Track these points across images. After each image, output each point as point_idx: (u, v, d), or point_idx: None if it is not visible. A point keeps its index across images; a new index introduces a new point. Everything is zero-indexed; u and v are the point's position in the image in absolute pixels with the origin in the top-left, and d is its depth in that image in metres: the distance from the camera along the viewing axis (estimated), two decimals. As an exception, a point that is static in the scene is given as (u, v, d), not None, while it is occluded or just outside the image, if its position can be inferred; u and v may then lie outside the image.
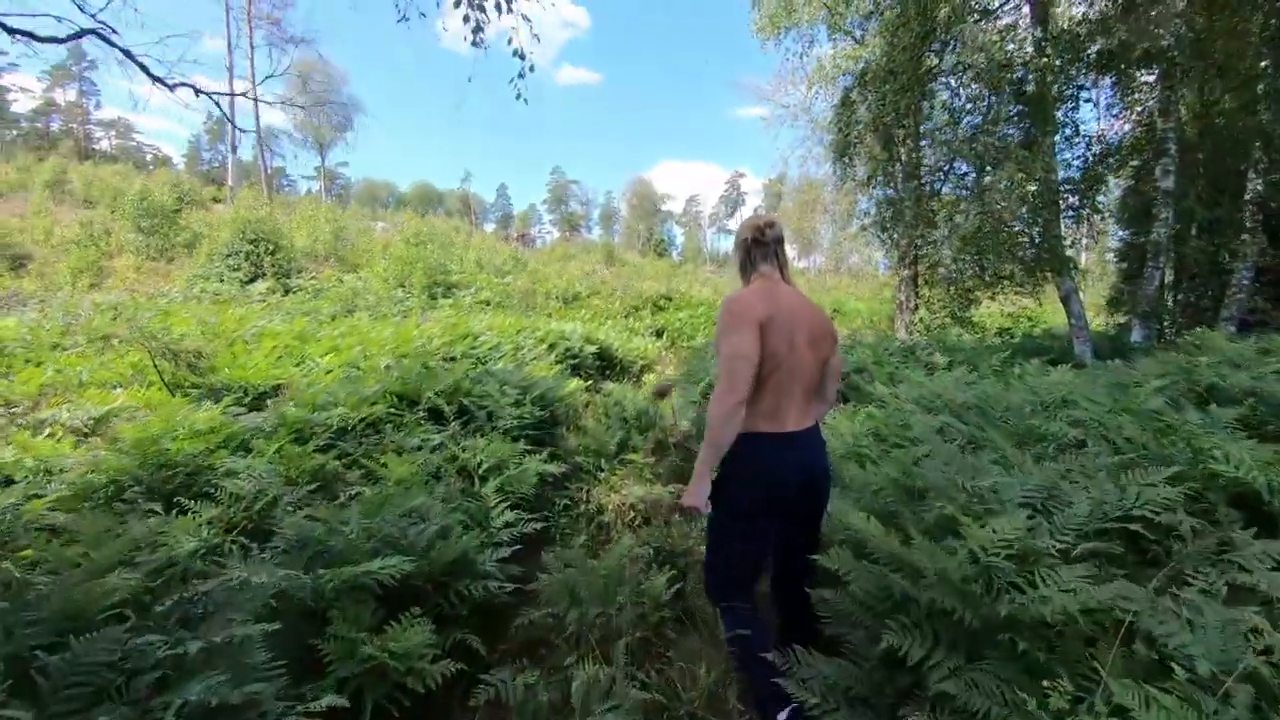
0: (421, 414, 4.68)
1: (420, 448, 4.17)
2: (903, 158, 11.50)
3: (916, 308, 12.26)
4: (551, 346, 9.25)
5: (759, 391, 2.07)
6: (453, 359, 7.22)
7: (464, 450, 4.23)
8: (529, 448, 4.74)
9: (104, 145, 62.18)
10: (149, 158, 62.22)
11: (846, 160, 11.79)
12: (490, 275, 18.13)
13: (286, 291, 14.57)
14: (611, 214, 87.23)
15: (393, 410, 4.55)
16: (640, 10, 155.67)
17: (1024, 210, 9.40)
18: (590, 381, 8.65)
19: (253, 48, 40.32)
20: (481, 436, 4.57)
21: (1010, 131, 9.56)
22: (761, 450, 2.10)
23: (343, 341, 7.53)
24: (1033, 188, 8.95)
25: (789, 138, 21.86)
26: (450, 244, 22.25)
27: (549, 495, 4.50)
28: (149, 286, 15.37)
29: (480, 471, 4.08)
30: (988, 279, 10.83)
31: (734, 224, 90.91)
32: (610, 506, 4.36)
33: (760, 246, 2.26)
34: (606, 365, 10.66)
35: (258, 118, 40.15)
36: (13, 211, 22.21)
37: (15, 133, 56.92)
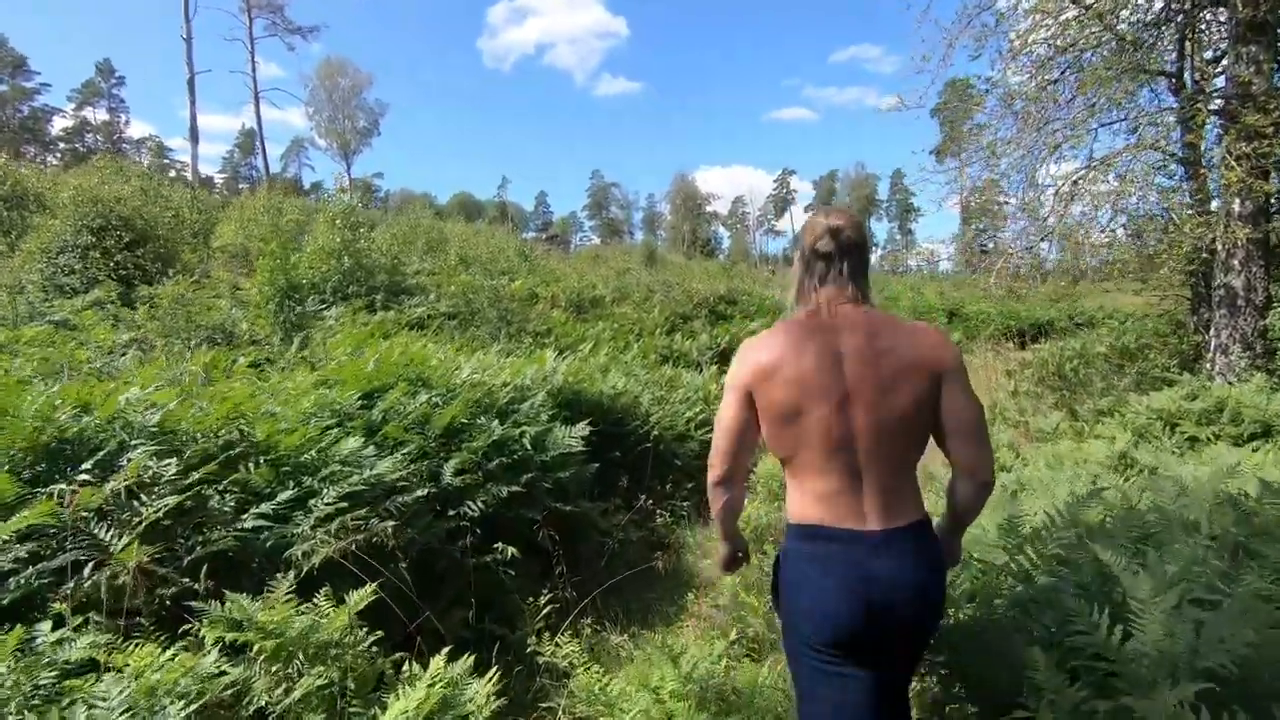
0: None
1: None
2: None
3: (1267, 305, 5.72)
4: (348, 504, 3.08)
5: (793, 469, 1.42)
6: None
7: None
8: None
9: (140, 164, 59.23)
10: (189, 176, 59.10)
11: None
12: (474, 277, 12.11)
13: (127, 305, 8.83)
14: (655, 218, 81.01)
15: None
16: (679, 16, 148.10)
17: None
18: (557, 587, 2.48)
19: (253, 40, 35.75)
20: None
21: None
22: (804, 550, 1.39)
23: None
24: None
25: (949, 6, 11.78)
26: (434, 237, 16.41)
27: None
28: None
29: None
30: None
31: (783, 225, 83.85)
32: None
33: (821, 260, 1.46)
34: (620, 459, 4.46)
35: (258, 114, 35.60)
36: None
37: (55, 155, 54.30)
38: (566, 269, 17.29)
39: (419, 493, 2.70)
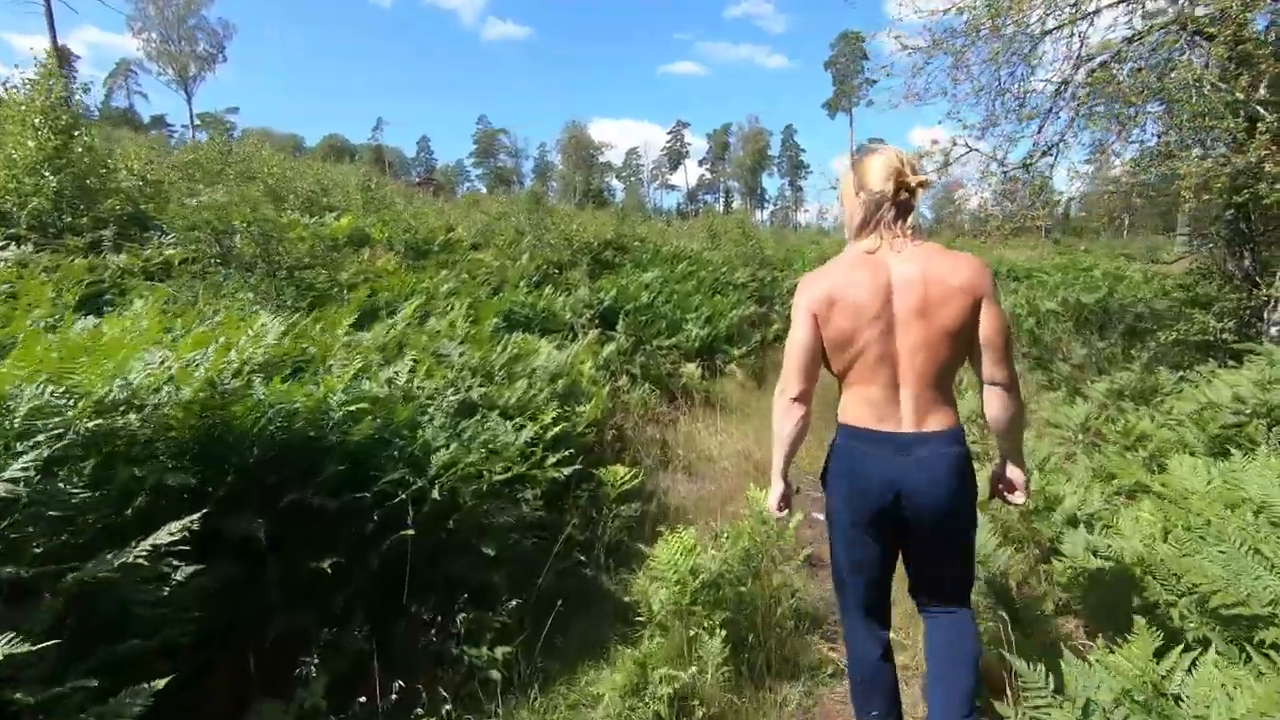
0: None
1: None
2: None
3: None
4: None
5: (848, 379, 1.63)
6: None
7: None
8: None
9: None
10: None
11: None
12: (287, 213, 8.88)
13: None
14: (547, 168, 76.17)
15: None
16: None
17: None
18: None
19: (34, -78, 28.43)
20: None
21: None
22: (848, 446, 1.63)
23: None
24: None
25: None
26: (249, 167, 12.79)
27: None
28: None
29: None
30: None
31: (677, 178, 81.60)
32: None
33: (896, 203, 1.57)
34: (340, 573, 2.00)
35: (51, 21, 28.84)
36: None
37: None
38: (425, 211, 14.10)
39: None
